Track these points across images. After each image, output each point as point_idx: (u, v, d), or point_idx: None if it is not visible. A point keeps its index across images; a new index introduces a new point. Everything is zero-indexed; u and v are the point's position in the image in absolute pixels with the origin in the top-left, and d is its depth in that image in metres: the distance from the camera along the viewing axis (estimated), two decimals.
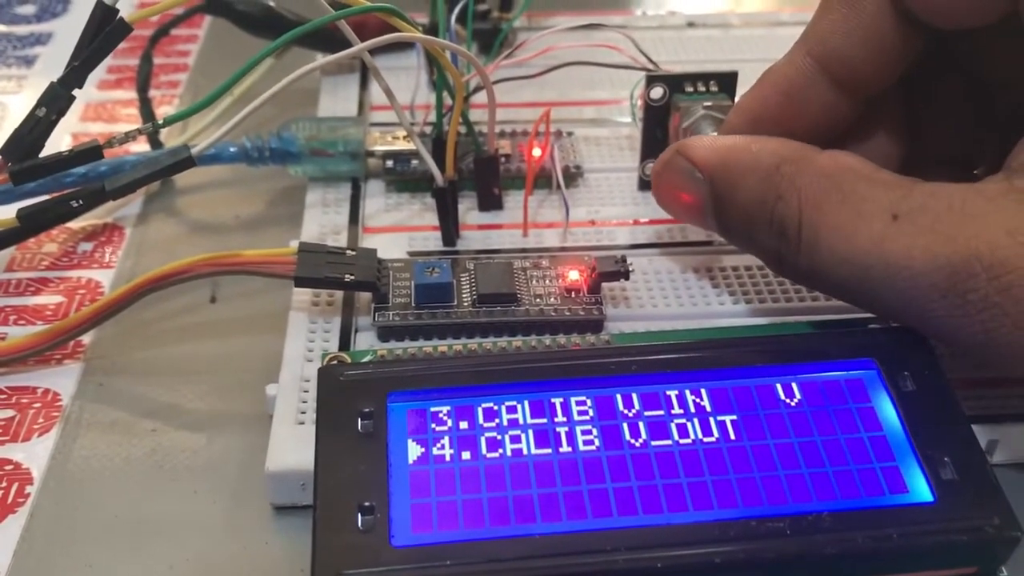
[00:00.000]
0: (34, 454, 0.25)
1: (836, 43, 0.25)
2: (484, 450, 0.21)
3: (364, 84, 0.37)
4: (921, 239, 0.21)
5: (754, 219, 0.24)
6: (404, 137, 0.32)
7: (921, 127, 0.27)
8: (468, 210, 0.31)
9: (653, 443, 0.21)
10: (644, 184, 0.32)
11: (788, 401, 0.22)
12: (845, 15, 0.25)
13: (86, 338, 0.28)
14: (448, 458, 0.21)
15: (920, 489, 0.21)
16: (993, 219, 0.20)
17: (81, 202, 0.25)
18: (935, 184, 0.22)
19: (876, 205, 0.22)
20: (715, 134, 0.29)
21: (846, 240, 0.22)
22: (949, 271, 0.21)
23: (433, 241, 0.30)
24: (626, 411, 0.22)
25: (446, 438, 0.21)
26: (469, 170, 0.31)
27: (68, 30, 0.44)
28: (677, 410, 0.22)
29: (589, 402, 0.22)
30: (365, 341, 0.26)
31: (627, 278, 0.27)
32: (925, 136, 0.27)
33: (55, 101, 0.24)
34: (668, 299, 0.27)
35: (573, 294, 0.27)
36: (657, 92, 0.30)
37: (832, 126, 0.26)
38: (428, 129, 0.32)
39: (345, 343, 0.26)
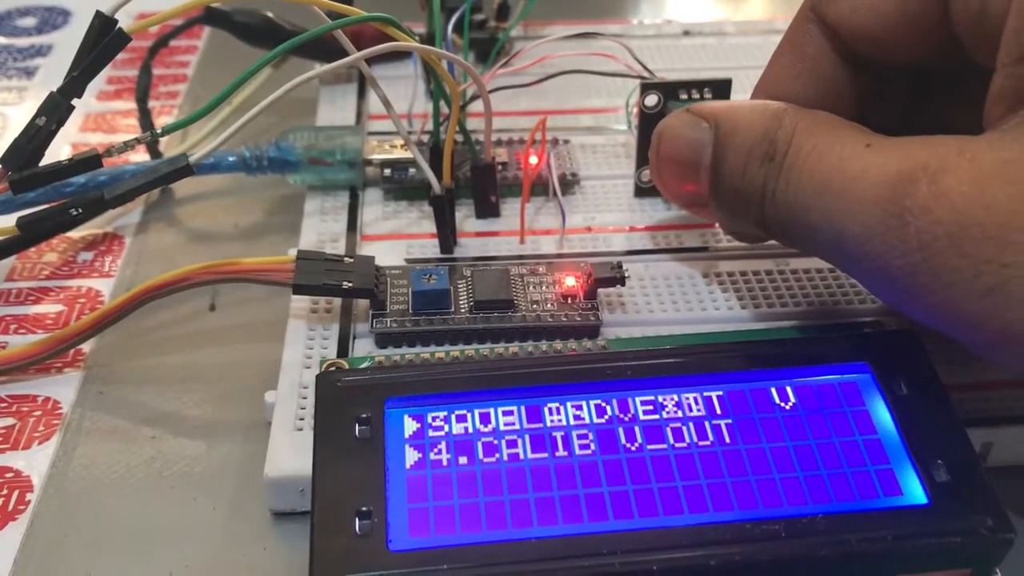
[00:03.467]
0: (34, 462, 0.25)
1: (788, 87, 0.25)
2: (481, 455, 0.21)
3: (362, 93, 0.37)
4: (879, 157, 0.21)
5: (752, 151, 0.24)
6: (402, 146, 0.32)
7: None
8: (465, 218, 0.31)
9: (649, 447, 0.22)
10: (640, 191, 0.32)
11: (783, 405, 0.23)
12: (791, 60, 0.25)
13: (86, 347, 0.28)
14: (445, 463, 0.21)
15: (914, 491, 0.21)
16: (952, 143, 0.20)
17: (81, 211, 0.25)
18: None
19: (856, 137, 0.22)
20: None
21: (819, 158, 0.22)
22: (895, 180, 0.20)
23: (431, 248, 0.30)
24: (622, 415, 0.22)
25: (443, 443, 0.22)
26: (466, 178, 0.31)
27: (68, 42, 0.44)
28: (673, 414, 0.22)
29: (585, 407, 0.22)
30: (363, 348, 0.26)
31: (623, 284, 0.27)
32: None
33: (54, 111, 0.24)
34: (664, 304, 0.28)
35: (569, 300, 0.27)
36: (652, 100, 0.30)
37: None
38: (425, 138, 0.32)
39: (343, 350, 0.26)
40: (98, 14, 0.24)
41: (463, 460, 0.21)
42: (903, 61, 0.24)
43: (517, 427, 0.22)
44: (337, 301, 0.27)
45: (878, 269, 0.21)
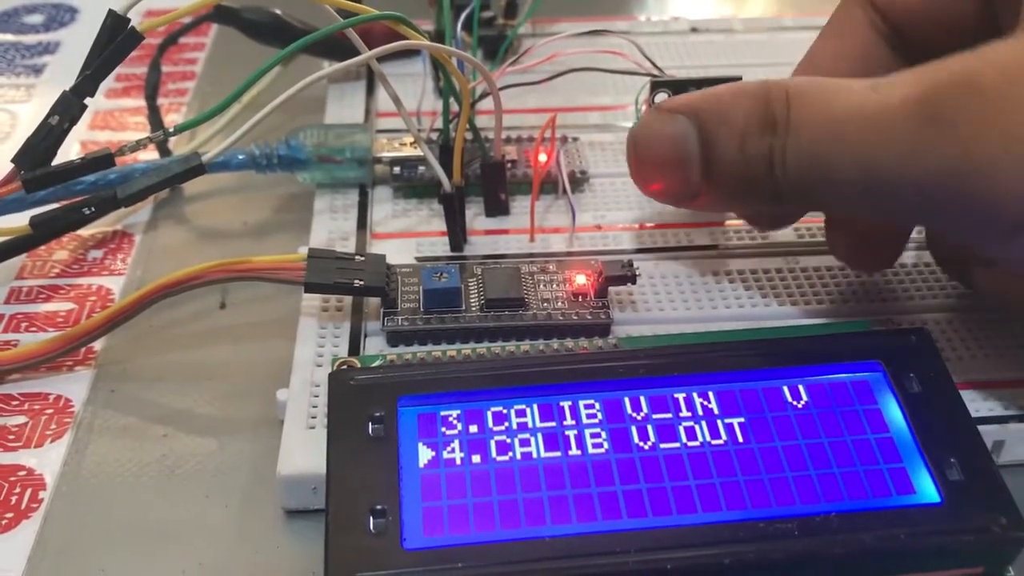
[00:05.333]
0: (47, 460, 0.25)
1: (830, 71, 0.26)
2: (494, 453, 0.21)
3: (371, 91, 0.37)
4: (895, 88, 0.21)
5: (746, 128, 0.23)
6: (411, 143, 0.32)
7: None
8: (475, 216, 0.31)
9: (662, 446, 0.22)
10: None
11: (795, 403, 0.23)
12: (836, 43, 0.26)
13: (97, 345, 0.28)
14: (458, 461, 0.21)
15: (927, 490, 0.21)
16: (987, 54, 0.20)
17: (93, 209, 0.25)
18: None
19: (856, 83, 0.22)
20: None
21: (827, 107, 0.22)
22: (922, 96, 0.20)
23: (441, 246, 0.30)
24: (634, 414, 0.22)
25: (456, 441, 0.22)
26: (476, 176, 0.31)
27: (76, 39, 0.44)
28: (685, 413, 0.22)
29: (597, 405, 0.22)
30: (374, 346, 0.26)
31: (634, 282, 0.27)
32: None
33: (68, 109, 0.25)
34: (675, 303, 0.28)
35: (580, 298, 0.27)
36: (661, 97, 0.30)
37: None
38: (435, 135, 0.32)
39: (355, 348, 0.26)
40: (111, 13, 0.24)
41: (476, 459, 0.21)
42: (946, 42, 0.24)
43: (530, 425, 0.22)
44: (348, 299, 0.27)
45: (917, 186, 0.21)
